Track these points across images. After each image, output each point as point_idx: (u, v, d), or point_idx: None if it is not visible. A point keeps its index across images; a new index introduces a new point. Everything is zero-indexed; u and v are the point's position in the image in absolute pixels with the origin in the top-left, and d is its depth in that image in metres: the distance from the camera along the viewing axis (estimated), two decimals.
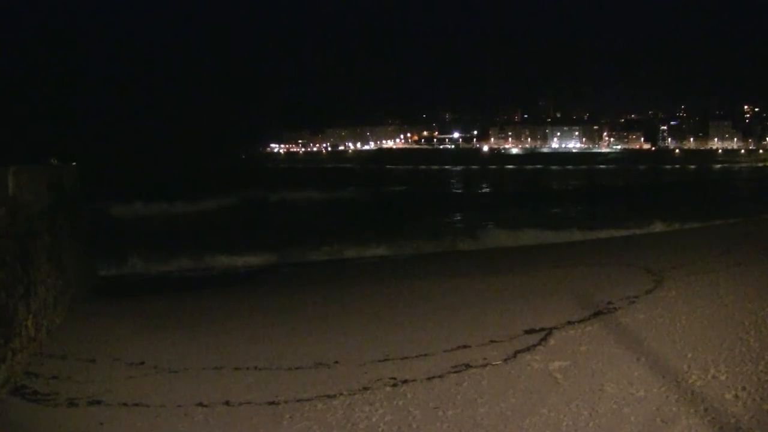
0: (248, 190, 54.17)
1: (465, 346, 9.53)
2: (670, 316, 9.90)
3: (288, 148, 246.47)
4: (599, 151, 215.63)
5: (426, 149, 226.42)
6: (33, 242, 10.13)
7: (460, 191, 72.86)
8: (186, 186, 63.34)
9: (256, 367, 9.22)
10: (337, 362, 9.24)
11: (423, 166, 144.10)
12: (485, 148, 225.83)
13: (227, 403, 7.67)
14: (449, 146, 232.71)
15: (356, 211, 43.34)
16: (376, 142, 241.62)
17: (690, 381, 6.96)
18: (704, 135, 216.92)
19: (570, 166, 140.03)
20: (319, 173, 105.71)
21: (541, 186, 77.96)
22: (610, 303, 11.35)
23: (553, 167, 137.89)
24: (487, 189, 71.59)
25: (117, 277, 20.13)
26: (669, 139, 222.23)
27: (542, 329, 10.03)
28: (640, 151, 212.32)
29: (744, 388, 6.58)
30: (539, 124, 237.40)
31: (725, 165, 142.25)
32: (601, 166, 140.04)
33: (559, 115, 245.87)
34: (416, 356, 9.24)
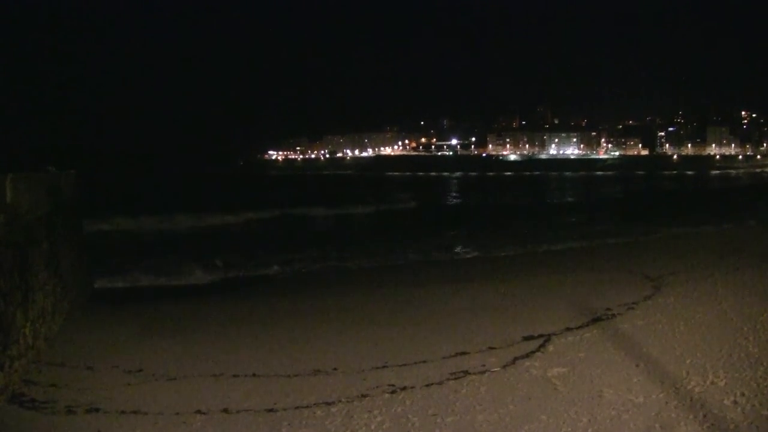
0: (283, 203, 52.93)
1: (463, 353, 9.53)
2: (668, 322, 9.91)
3: (286, 155, 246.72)
4: (597, 157, 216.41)
5: (424, 156, 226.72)
6: (31, 249, 10.11)
7: (465, 201, 72.28)
8: (208, 197, 62.98)
9: (254, 374, 9.20)
10: (335, 369, 9.23)
11: (421, 173, 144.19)
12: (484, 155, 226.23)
13: (226, 410, 7.65)
14: (447, 153, 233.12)
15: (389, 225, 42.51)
16: (374, 149, 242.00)
17: (689, 387, 6.96)
18: (702, 141, 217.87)
19: (568, 173, 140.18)
20: (354, 182, 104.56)
21: (541, 195, 77.76)
22: (608, 309, 11.37)
23: (552, 173, 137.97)
24: (490, 199, 70.99)
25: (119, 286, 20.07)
26: (667, 145, 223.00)
27: (541, 335, 10.03)
28: (638, 157, 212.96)
29: (743, 394, 6.59)
30: (537, 130, 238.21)
31: (723, 171, 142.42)
32: (599, 173, 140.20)
33: (557, 122, 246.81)
34: (414, 363, 9.23)
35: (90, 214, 24.09)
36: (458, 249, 27.12)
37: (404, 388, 8.00)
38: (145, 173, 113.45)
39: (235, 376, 9.20)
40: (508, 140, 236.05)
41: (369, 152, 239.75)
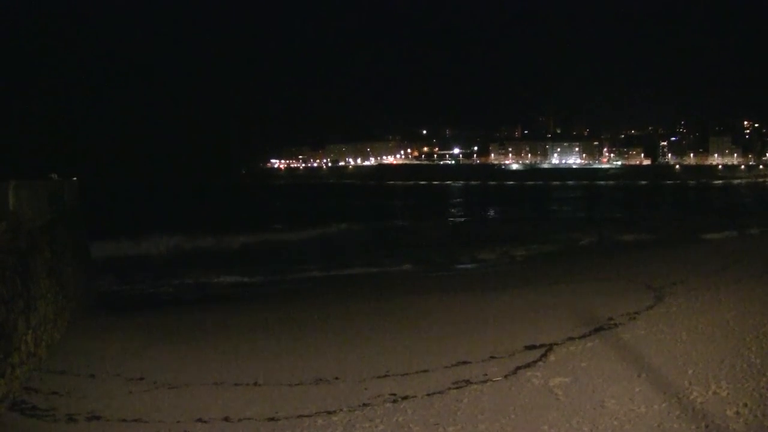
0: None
1: (465, 362, 9.51)
2: (670, 332, 9.88)
3: (288, 164, 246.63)
4: (599, 166, 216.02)
5: (426, 165, 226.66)
6: (33, 257, 10.14)
7: (465, 212, 71.73)
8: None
9: (256, 383, 9.19)
10: (337, 378, 9.22)
11: (423, 182, 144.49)
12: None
13: (227, 419, 7.64)
14: (449, 162, 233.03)
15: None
16: (376, 158, 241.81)
17: (691, 397, 6.93)
18: (704, 150, 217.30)
19: (571, 182, 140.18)
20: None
21: (542, 205, 77.42)
22: (610, 319, 11.34)
23: (554, 183, 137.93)
24: (490, 211, 70.50)
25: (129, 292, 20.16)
26: (669, 154, 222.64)
27: (543, 345, 10.01)
28: (640, 166, 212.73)
29: (745, 405, 6.55)
30: (539, 139, 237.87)
31: (726, 181, 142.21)
32: (601, 182, 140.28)
33: (559, 131, 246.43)
34: (416, 372, 9.21)
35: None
36: (458, 260, 27.12)
37: (406, 398, 7.98)
38: (156, 184, 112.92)
39: (236, 384, 9.19)
40: (510, 149, 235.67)
41: (371, 161, 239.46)
